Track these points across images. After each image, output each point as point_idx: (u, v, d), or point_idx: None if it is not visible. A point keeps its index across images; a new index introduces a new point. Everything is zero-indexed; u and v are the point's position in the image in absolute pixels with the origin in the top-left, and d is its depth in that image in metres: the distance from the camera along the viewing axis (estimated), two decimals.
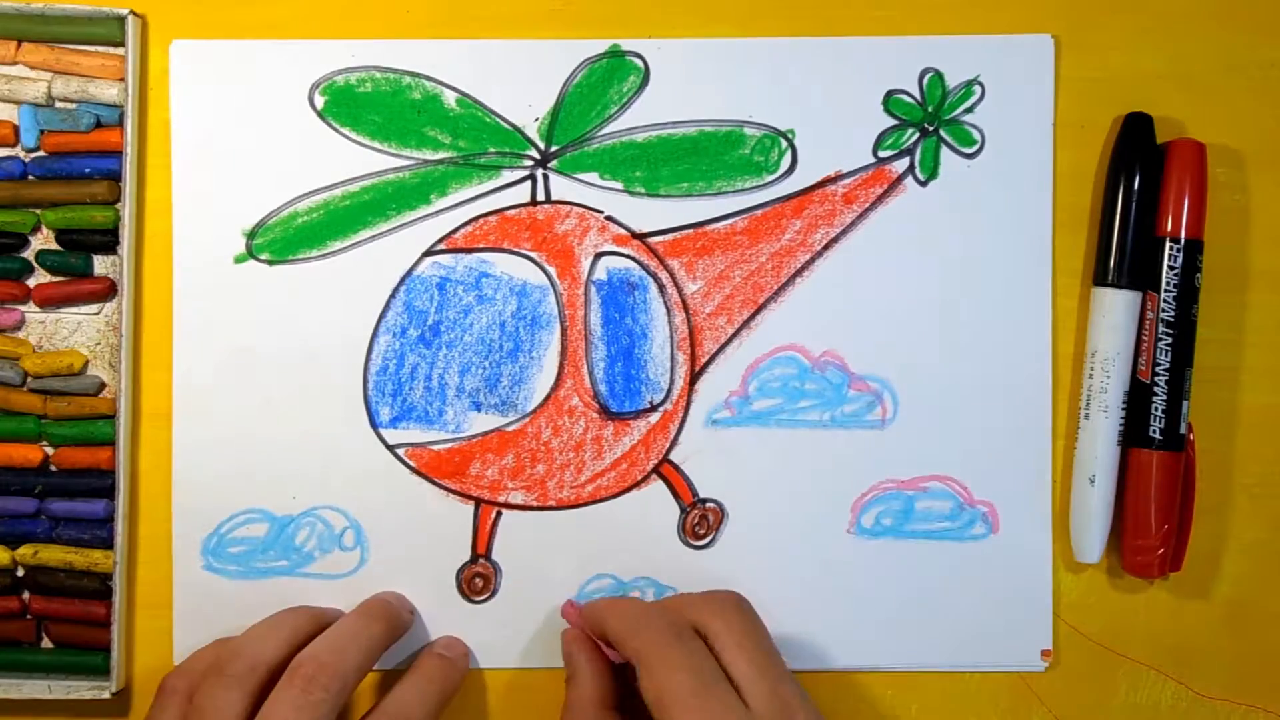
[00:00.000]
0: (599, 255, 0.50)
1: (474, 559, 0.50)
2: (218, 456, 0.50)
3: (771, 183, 0.50)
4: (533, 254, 0.50)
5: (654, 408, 0.50)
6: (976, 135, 0.50)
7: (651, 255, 0.50)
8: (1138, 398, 0.49)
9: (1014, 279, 0.50)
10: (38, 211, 0.50)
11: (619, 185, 0.50)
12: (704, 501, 0.50)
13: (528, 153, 0.50)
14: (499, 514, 0.50)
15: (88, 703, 0.49)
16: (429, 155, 0.50)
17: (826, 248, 0.50)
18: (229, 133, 0.50)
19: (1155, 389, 0.49)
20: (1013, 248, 0.50)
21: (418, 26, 0.50)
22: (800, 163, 0.50)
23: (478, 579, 0.50)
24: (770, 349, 0.50)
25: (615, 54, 0.50)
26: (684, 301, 0.50)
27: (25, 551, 0.49)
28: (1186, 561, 0.49)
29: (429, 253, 0.50)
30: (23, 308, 0.50)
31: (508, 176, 0.50)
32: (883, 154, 0.50)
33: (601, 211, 0.50)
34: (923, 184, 0.50)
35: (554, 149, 0.50)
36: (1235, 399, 0.50)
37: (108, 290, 0.50)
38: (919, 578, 0.50)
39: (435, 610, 0.50)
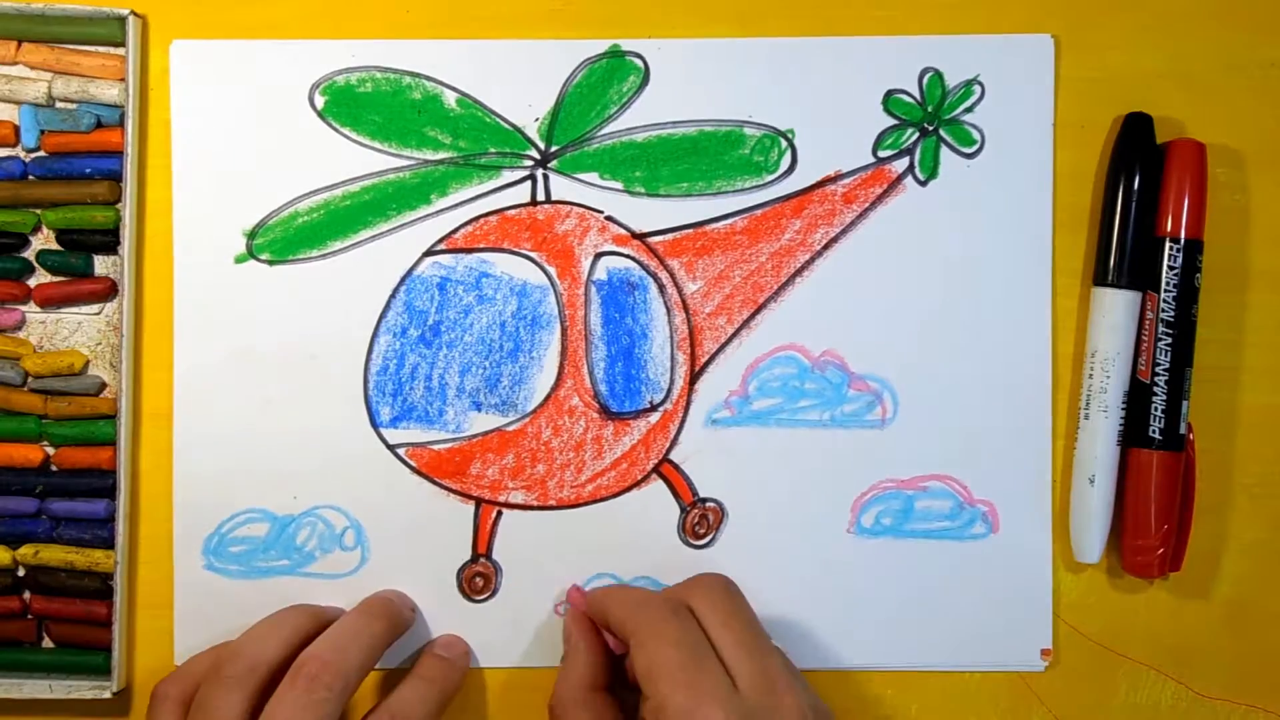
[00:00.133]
0: (599, 255, 0.50)
1: (474, 558, 0.50)
2: (218, 456, 0.50)
3: (771, 182, 0.50)
4: (533, 254, 0.50)
5: (654, 407, 0.50)
6: (976, 135, 0.50)
7: (651, 255, 0.50)
8: (1137, 398, 0.49)
9: (1014, 279, 0.50)
10: (38, 211, 0.50)
11: (619, 185, 0.50)
12: (704, 501, 0.50)
13: (528, 153, 0.50)
14: (499, 513, 0.50)
15: (88, 702, 0.49)
16: (429, 155, 0.50)
17: (826, 247, 0.50)
18: (229, 133, 0.50)
19: (1155, 389, 0.49)
20: (1013, 248, 0.50)
21: (418, 26, 0.50)
22: (800, 162, 0.50)
23: (478, 578, 0.50)
24: (770, 349, 0.50)
25: (615, 54, 0.50)
26: (684, 301, 0.50)
27: (26, 551, 0.50)
28: (1186, 561, 0.49)
29: (429, 253, 0.50)
30: (23, 308, 0.50)
31: (508, 176, 0.50)
32: (882, 154, 0.50)
33: (601, 211, 0.50)
34: (922, 184, 0.50)
35: (554, 149, 0.50)
36: (1235, 399, 0.50)
37: (108, 290, 0.50)
38: (919, 577, 0.50)
39: (436, 609, 0.50)
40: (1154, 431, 0.49)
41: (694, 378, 0.50)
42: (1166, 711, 0.50)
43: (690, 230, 0.50)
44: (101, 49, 0.50)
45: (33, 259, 0.50)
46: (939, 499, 0.50)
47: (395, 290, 0.50)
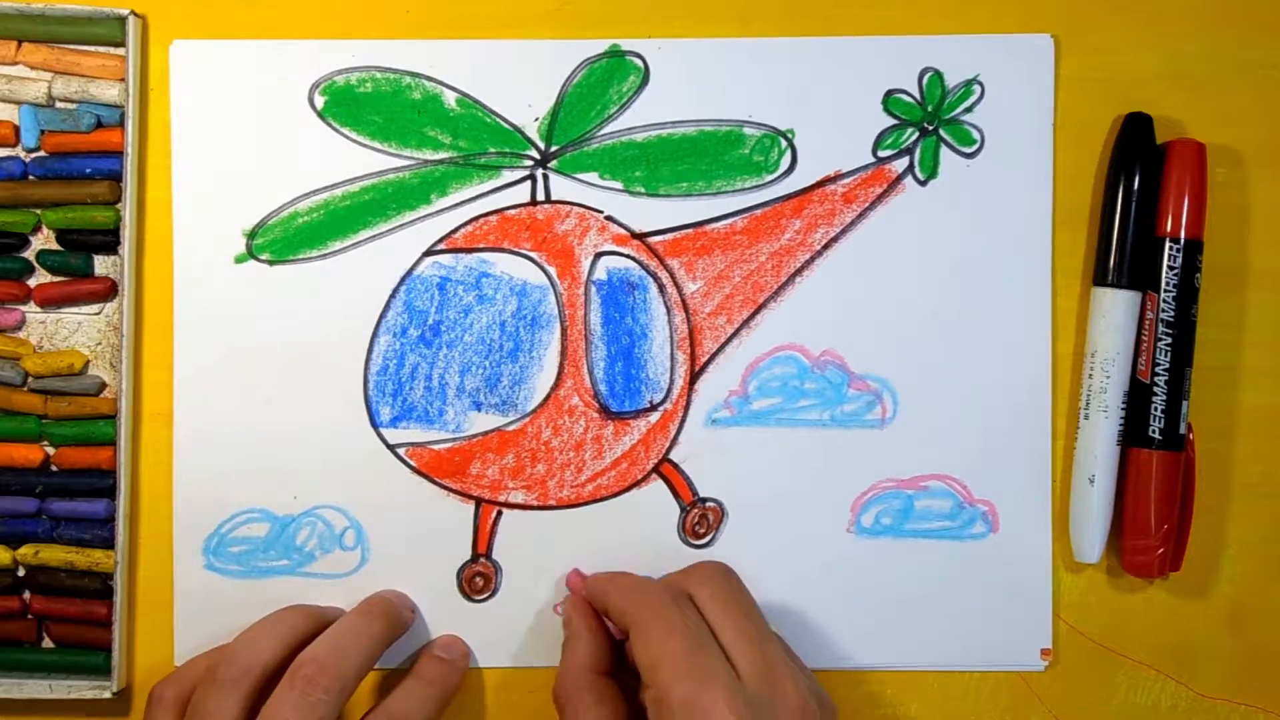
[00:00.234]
0: (599, 255, 0.50)
1: (474, 558, 0.50)
2: (218, 456, 0.50)
3: (771, 182, 0.50)
4: (533, 254, 0.50)
5: (654, 407, 0.50)
6: (976, 135, 0.50)
7: (651, 255, 0.50)
8: (1137, 398, 0.49)
9: (1014, 279, 0.50)
10: (38, 211, 0.50)
11: (619, 185, 0.50)
12: (704, 501, 0.50)
13: (528, 153, 0.50)
14: (499, 513, 0.50)
15: (88, 702, 0.49)
16: (429, 155, 0.50)
17: (826, 247, 0.50)
18: (229, 133, 0.50)
19: (1155, 389, 0.49)
20: (1012, 248, 0.50)
21: (418, 26, 0.50)
22: (800, 162, 0.50)
23: (478, 578, 0.50)
24: (770, 348, 0.50)
25: (615, 54, 0.50)
26: (684, 301, 0.50)
27: (26, 551, 0.50)
28: (1186, 561, 0.49)
29: (429, 252, 0.50)
30: (23, 308, 0.50)
31: (508, 176, 0.50)
32: (882, 154, 0.50)
33: (601, 211, 0.50)
34: (922, 184, 0.50)
35: (554, 149, 0.50)
36: (1235, 399, 0.50)
37: (108, 290, 0.50)
38: (919, 577, 0.50)
39: (435, 609, 0.50)
40: (1154, 431, 0.49)
41: (694, 377, 0.50)
42: (1166, 711, 0.50)
43: (690, 230, 0.50)
44: (101, 49, 0.50)
45: (33, 259, 0.50)
46: (939, 499, 0.50)
47: (395, 290, 0.50)
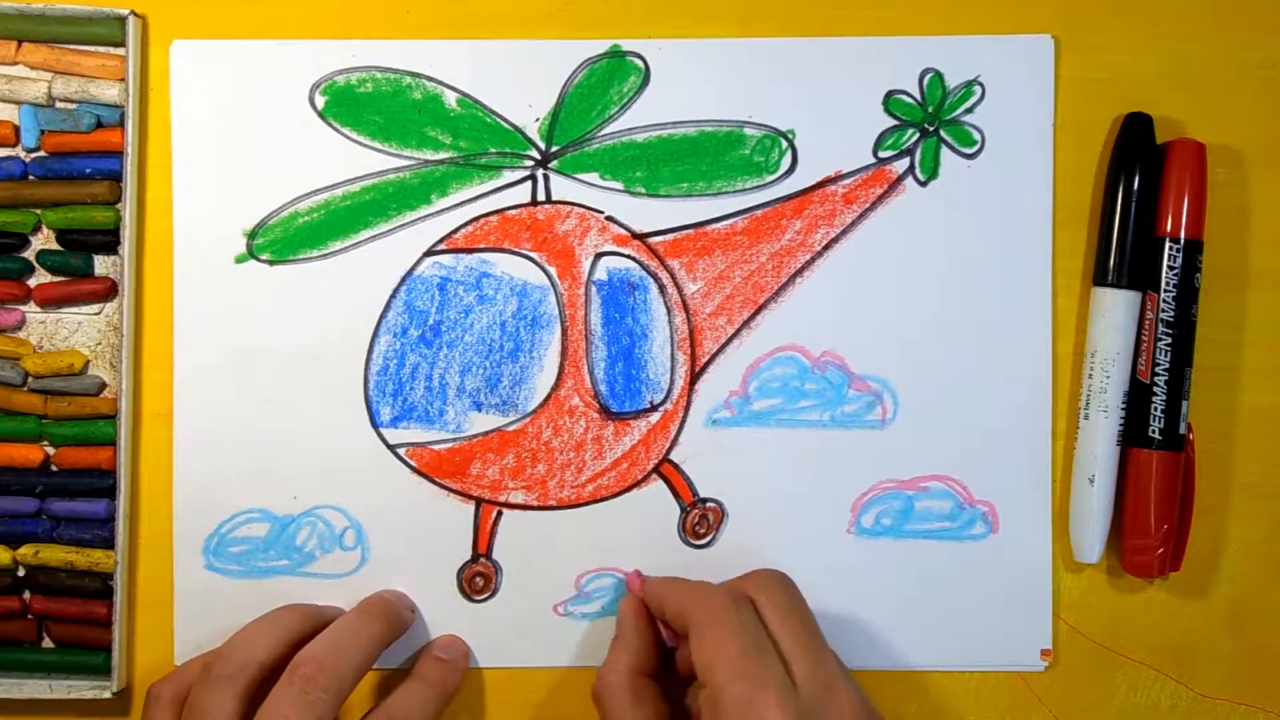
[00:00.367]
0: (599, 255, 0.50)
1: (474, 558, 0.50)
2: (218, 456, 0.50)
3: (771, 183, 0.50)
4: (533, 254, 0.50)
5: (654, 408, 0.50)
6: (976, 135, 0.50)
7: (652, 255, 0.50)
8: (1137, 398, 0.49)
9: (1014, 279, 0.50)
10: (38, 211, 0.50)
11: (619, 185, 0.50)
12: (704, 501, 0.50)
13: (528, 153, 0.50)
14: (499, 513, 0.50)
15: (88, 702, 0.49)
16: (430, 155, 0.50)
17: (826, 248, 0.50)
18: (229, 133, 0.50)
19: (1155, 389, 0.49)
20: (1013, 248, 0.50)
21: (418, 26, 0.50)
22: (800, 163, 0.50)
23: (478, 578, 0.50)
24: (770, 349, 0.50)
25: (615, 54, 0.50)
26: (684, 301, 0.50)
27: (26, 551, 0.50)
28: (1186, 561, 0.49)
29: (430, 253, 0.50)
30: (23, 308, 0.50)
31: (508, 177, 0.50)
32: (883, 154, 0.50)
33: (602, 212, 0.50)
34: (923, 184, 0.50)
35: (554, 149, 0.50)
36: (1235, 399, 0.50)
37: (108, 290, 0.50)
38: (919, 578, 0.50)
39: (435, 609, 0.50)
40: (1154, 431, 0.49)
41: (694, 378, 0.50)
42: (1166, 711, 0.50)
43: (690, 230, 0.50)
44: (101, 49, 0.50)
45: (33, 259, 0.50)
46: (939, 499, 0.50)
47: (395, 290, 0.50)
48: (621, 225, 0.50)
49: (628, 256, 0.50)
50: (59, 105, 0.50)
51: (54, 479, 0.50)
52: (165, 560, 0.50)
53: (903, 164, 0.50)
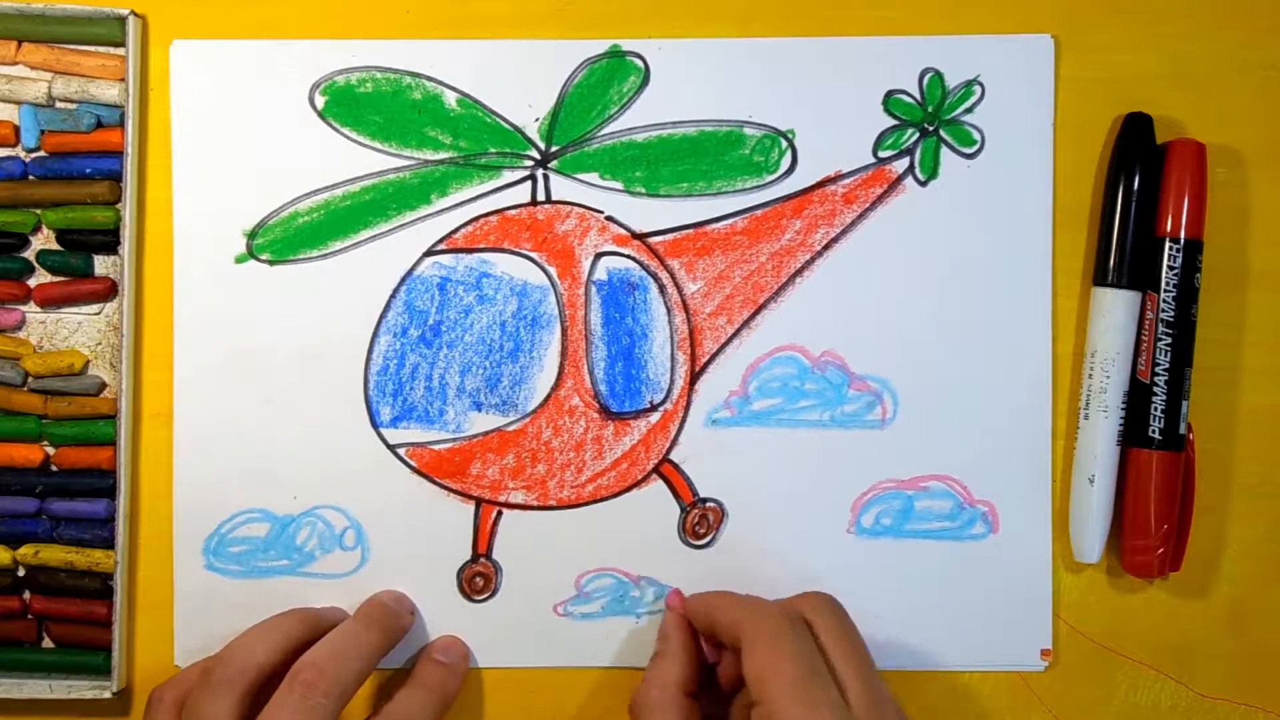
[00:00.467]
0: (599, 255, 0.50)
1: (474, 558, 0.50)
2: (218, 456, 0.50)
3: (771, 183, 0.50)
4: (533, 254, 0.50)
5: (654, 407, 0.50)
6: (976, 135, 0.50)
7: (651, 255, 0.50)
8: (1137, 398, 0.49)
9: (1014, 279, 0.50)
10: (38, 211, 0.50)
11: (619, 185, 0.50)
12: (704, 501, 0.50)
13: (528, 153, 0.50)
14: (499, 513, 0.50)
15: (88, 702, 0.49)
16: (429, 155, 0.50)
17: (826, 248, 0.50)
18: (229, 133, 0.50)
19: (1155, 389, 0.49)
20: (1013, 248, 0.50)
21: (418, 26, 0.50)
22: (800, 163, 0.50)
23: (478, 578, 0.50)
24: (770, 349, 0.50)
25: (615, 54, 0.50)
26: (684, 301, 0.50)
27: (26, 551, 0.50)
28: (1186, 561, 0.49)
29: (430, 253, 0.50)
30: (23, 308, 0.50)
31: (508, 177, 0.50)
32: (883, 154, 0.50)
33: (602, 212, 0.50)
34: (923, 184, 0.50)
35: (554, 149, 0.50)
36: (1235, 399, 0.50)
37: (108, 290, 0.50)
38: (919, 578, 0.50)
39: (435, 609, 0.50)
40: (1154, 431, 0.49)
41: (694, 378, 0.50)
42: (1166, 711, 0.50)
43: (690, 230, 0.50)
44: (101, 49, 0.50)
45: (33, 259, 0.50)
46: (939, 499, 0.50)
47: (395, 290, 0.50)
48: (621, 225, 0.50)
49: (628, 256, 0.50)
50: (59, 105, 0.50)
51: (54, 479, 0.50)
52: (165, 560, 0.50)
53: (903, 164, 0.50)
